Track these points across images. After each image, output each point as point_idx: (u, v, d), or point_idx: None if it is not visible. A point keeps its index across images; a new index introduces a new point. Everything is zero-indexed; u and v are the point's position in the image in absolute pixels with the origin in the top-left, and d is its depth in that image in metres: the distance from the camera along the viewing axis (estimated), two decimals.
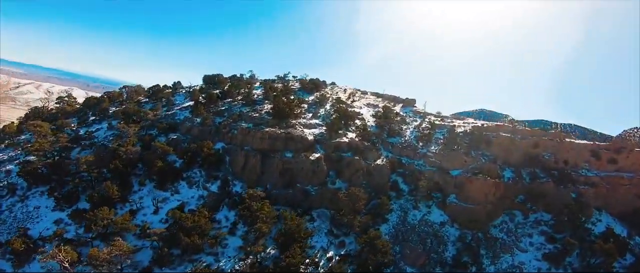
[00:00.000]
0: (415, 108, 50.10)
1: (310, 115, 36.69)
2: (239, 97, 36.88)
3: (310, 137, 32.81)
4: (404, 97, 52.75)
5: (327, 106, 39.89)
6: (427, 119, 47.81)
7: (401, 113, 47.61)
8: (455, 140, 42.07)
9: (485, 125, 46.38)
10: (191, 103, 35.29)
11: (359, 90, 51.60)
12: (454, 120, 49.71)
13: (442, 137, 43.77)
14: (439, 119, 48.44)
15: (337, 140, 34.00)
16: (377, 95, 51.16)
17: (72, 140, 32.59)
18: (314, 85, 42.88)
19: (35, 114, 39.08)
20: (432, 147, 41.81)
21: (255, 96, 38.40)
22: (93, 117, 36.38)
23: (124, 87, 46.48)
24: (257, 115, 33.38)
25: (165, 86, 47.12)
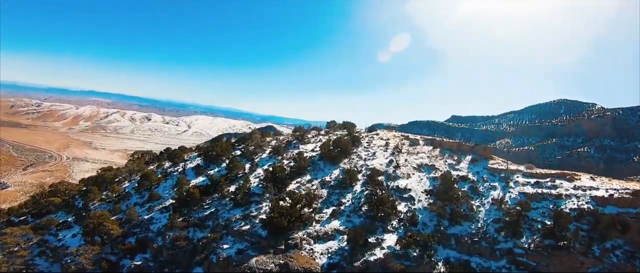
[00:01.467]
0: (492, 164, 35.02)
1: (330, 211, 25.48)
2: (232, 189, 27.49)
3: (321, 261, 21.74)
4: (471, 143, 37.90)
5: (358, 186, 28.28)
6: (513, 183, 32.53)
7: (470, 176, 33.30)
8: (565, 228, 26.69)
9: (613, 196, 29.38)
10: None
11: (407, 137, 38.40)
12: (556, 179, 33.35)
13: (539, 219, 28.59)
14: (533, 182, 32.71)
15: (365, 259, 22.30)
16: (432, 144, 37.36)
17: (41, 252, 27.28)
18: (340, 150, 31.25)
19: (34, 203, 35.61)
20: (523, 239, 27.14)
21: (257, 179, 28.67)
22: (73, 216, 30.97)
23: (136, 153, 41.82)
24: (248, 227, 23.52)
25: (170, 153, 40.60)
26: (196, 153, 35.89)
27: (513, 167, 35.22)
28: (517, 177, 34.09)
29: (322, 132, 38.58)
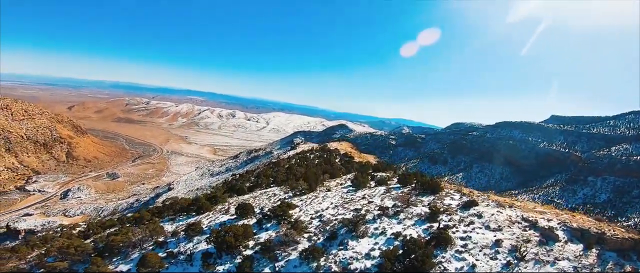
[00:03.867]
0: None
1: None
2: None
3: None
4: None
5: None
6: None
7: None
8: None
9: None
10: None
11: (534, 224, 22.75)
12: None
13: None
14: None
15: None
16: (583, 238, 21.07)
17: None
18: (415, 265, 18.40)
19: (39, 257, 32.48)
20: None
21: None
22: None
23: (168, 199, 36.49)
24: None
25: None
26: (229, 208, 27.62)
27: None
28: None
29: (391, 210, 25.41)
